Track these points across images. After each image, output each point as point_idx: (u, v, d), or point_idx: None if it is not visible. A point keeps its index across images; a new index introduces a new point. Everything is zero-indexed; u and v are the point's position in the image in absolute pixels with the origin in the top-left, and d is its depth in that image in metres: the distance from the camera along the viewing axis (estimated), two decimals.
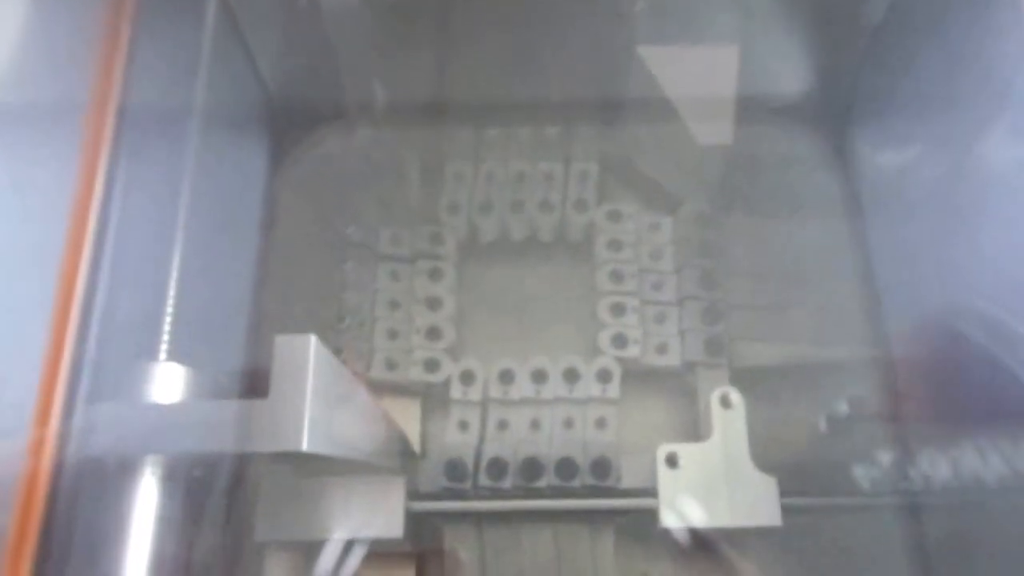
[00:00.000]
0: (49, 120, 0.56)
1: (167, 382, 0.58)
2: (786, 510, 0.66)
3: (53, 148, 0.55)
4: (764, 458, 0.68)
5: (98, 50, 0.58)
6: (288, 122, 0.85)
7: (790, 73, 0.82)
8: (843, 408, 0.73)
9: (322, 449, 0.53)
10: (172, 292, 0.62)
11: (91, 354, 0.54)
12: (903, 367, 0.73)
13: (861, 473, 0.70)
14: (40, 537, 0.48)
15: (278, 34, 0.79)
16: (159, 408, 0.55)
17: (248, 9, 0.74)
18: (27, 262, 0.53)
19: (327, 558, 0.68)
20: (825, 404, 0.74)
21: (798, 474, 0.69)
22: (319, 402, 0.54)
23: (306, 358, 0.54)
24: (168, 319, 0.60)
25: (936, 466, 0.66)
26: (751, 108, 0.83)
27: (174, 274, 0.62)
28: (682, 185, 0.84)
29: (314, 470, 0.65)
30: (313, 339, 0.54)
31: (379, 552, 0.72)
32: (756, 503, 0.66)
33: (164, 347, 0.60)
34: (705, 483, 0.67)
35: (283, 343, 0.55)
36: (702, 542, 0.68)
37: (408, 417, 0.76)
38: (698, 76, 0.80)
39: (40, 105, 0.55)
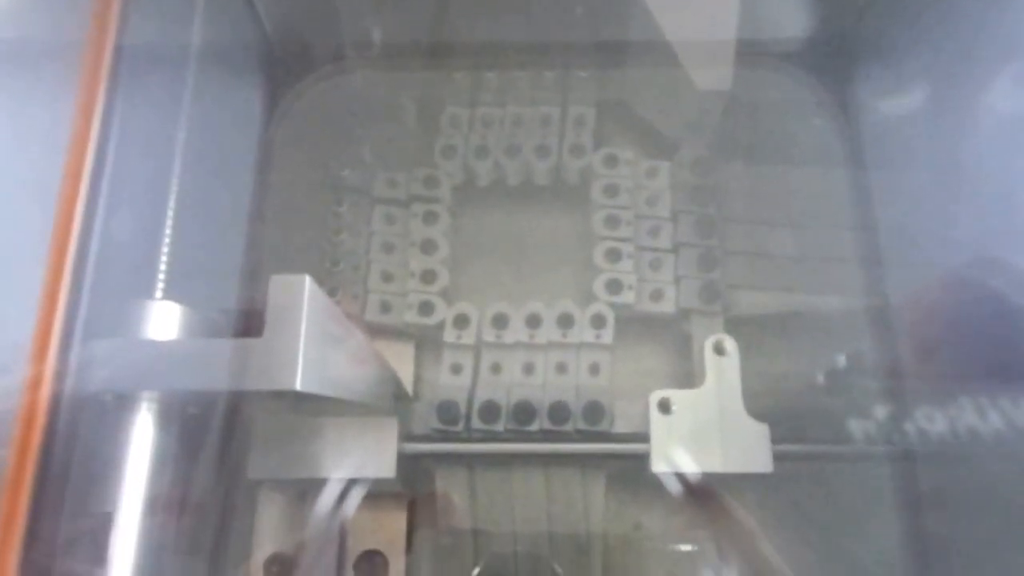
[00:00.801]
0: (47, 57, 0.55)
1: (163, 320, 0.58)
2: (778, 457, 0.67)
3: (50, 86, 0.55)
4: (757, 406, 0.70)
5: None
6: (285, 64, 0.84)
7: (791, 19, 0.81)
8: (841, 361, 0.73)
9: (315, 389, 0.54)
10: (168, 231, 0.62)
11: (88, 291, 0.54)
12: (905, 317, 0.74)
13: (855, 425, 0.71)
14: (37, 471, 0.49)
15: None
16: (154, 345, 0.56)
17: None
18: (24, 199, 0.53)
19: (322, 501, 0.70)
20: (822, 355, 0.75)
21: (791, 422, 0.70)
22: (313, 342, 0.54)
23: (300, 297, 0.54)
24: (164, 258, 0.61)
25: (932, 420, 0.67)
26: (751, 54, 0.82)
27: (170, 213, 0.62)
28: (680, 130, 0.83)
29: (308, 410, 0.65)
30: (307, 279, 0.55)
31: (371, 494, 0.73)
32: (748, 450, 0.67)
33: (160, 285, 0.60)
34: (697, 429, 0.68)
35: (278, 282, 0.55)
36: (694, 490, 0.70)
37: (402, 360, 0.77)
38: (698, 20, 0.79)
39: (37, 42, 0.55)
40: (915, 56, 0.76)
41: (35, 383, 0.50)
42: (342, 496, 0.72)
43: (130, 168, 0.59)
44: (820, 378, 0.74)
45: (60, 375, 0.51)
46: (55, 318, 0.52)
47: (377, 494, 0.73)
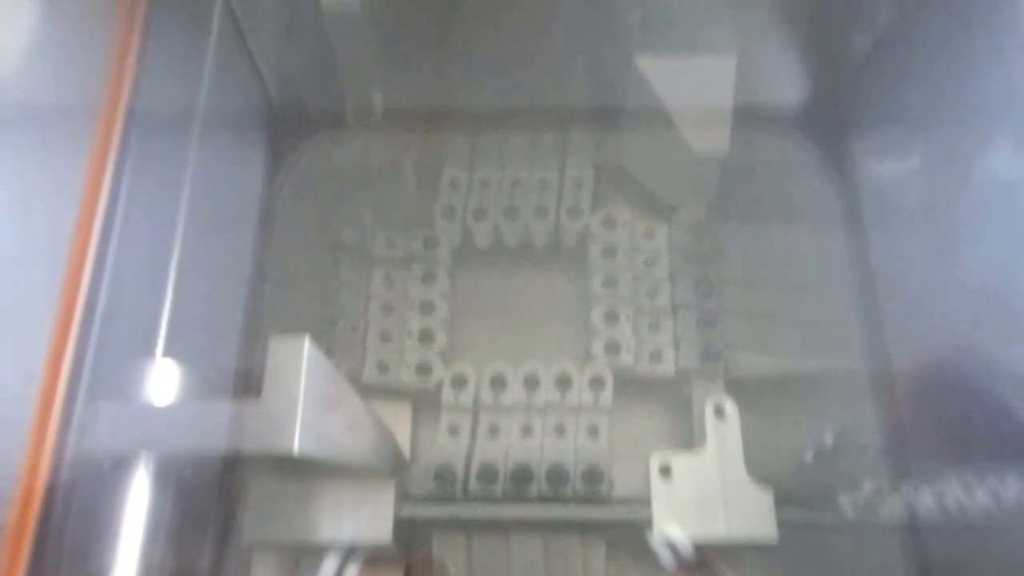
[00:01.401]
0: (62, 123, 0.56)
1: (163, 380, 0.58)
2: (782, 524, 0.67)
3: (64, 150, 0.56)
4: (760, 470, 0.69)
5: (110, 57, 0.59)
6: (288, 127, 0.86)
7: (787, 83, 0.83)
8: (828, 439, 0.73)
9: (313, 451, 0.54)
10: (170, 292, 0.62)
11: (92, 352, 0.54)
12: (897, 395, 0.74)
13: (846, 499, 0.71)
14: (37, 530, 0.49)
15: (281, 42, 0.80)
16: (154, 408, 0.56)
17: (253, 17, 0.76)
18: (35, 260, 0.54)
19: (317, 567, 0.69)
20: (824, 418, 0.75)
21: (794, 487, 0.69)
22: (311, 404, 0.54)
23: (299, 359, 0.54)
24: (165, 318, 0.61)
25: (922, 496, 0.67)
26: (748, 117, 0.83)
27: (172, 275, 0.63)
28: (677, 193, 0.84)
29: (304, 472, 0.65)
30: (307, 340, 0.55)
31: (367, 559, 0.72)
32: (751, 516, 0.67)
33: (161, 345, 0.60)
34: (699, 494, 0.68)
35: (277, 344, 0.55)
36: (697, 558, 0.69)
37: (399, 422, 0.76)
38: (694, 85, 0.80)
39: (53, 108, 0.56)
40: (909, 119, 0.77)
41: (38, 443, 0.50)
42: (338, 562, 0.71)
43: (136, 230, 0.59)
44: (808, 456, 0.73)
45: (62, 435, 0.51)
46: (60, 377, 0.52)
47: (373, 558, 0.73)
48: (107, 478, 0.56)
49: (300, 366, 0.54)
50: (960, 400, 0.64)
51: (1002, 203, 0.62)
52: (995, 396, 0.60)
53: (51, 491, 0.50)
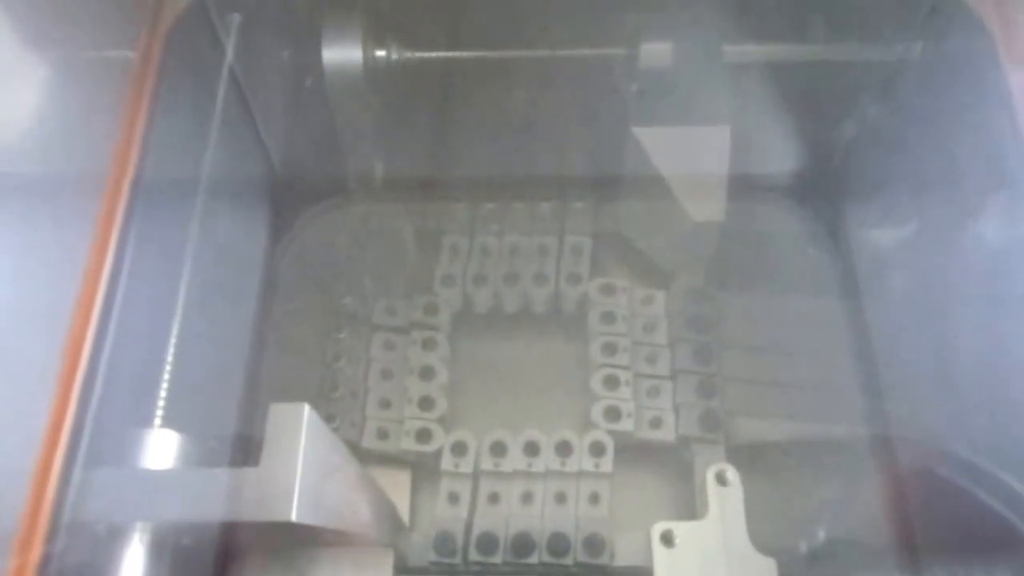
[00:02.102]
0: (68, 192, 0.57)
1: (161, 448, 0.58)
2: None
3: (70, 219, 0.56)
4: (763, 538, 0.68)
5: (118, 127, 0.60)
6: (290, 196, 0.87)
7: (780, 153, 0.84)
8: (820, 536, 0.72)
9: (311, 520, 0.53)
10: (170, 360, 0.62)
11: (92, 419, 0.53)
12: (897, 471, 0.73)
13: None
14: None
15: (284, 112, 0.82)
16: (151, 475, 0.55)
17: (257, 88, 0.77)
18: (37, 326, 0.53)
19: None
20: (825, 485, 0.74)
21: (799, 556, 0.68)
22: (310, 472, 0.53)
23: (299, 427, 0.54)
24: (164, 386, 0.61)
25: None
26: (744, 187, 0.84)
27: (172, 342, 0.63)
28: (675, 260, 0.85)
29: (302, 540, 0.64)
30: (306, 408, 0.55)
31: None
32: None
33: (159, 413, 0.60)
34: (702, 563, 0.66)
35: (277, 411, 0.55)
36: None
37: (398, 489, 0.75)
38: (690, 155, 0.81)
39: (60, 177, 0.57)
40: (900, 189, 0.78)
41: (34, 511, 0.49)
42: None
43: (138, 296, 0.59)
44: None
45: (59, 504, 0.50)
46: (59, 444, 0.51)
47: None
48: (103, 545, 0.55)
49: (300, 434, 0.54)
50: (962, 491, 0.63)
51: (989, 271, 0.63)
52: (994, 486, 0.59)
53: (47, 560, 0.49)
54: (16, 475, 0.49)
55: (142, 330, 0.61)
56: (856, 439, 0.76)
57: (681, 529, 0.67)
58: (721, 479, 0.70)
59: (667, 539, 0.67)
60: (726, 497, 0.69)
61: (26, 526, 0.48)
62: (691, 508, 0.73)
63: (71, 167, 0.58)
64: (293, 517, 0.52)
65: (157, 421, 0.59)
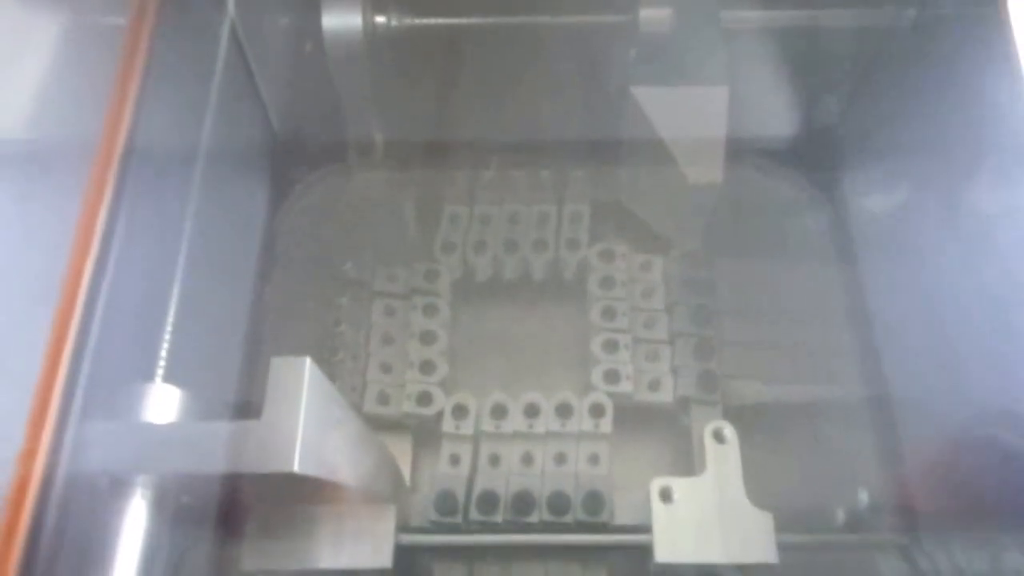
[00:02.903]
0: (60, 154, 0.56)
1: (162, 403, 0.57)
2: (782, 547, 0.65)
3: (63, 182, 0.55)
4: (759, 495, 0.67)
5: (114, 84, 0.59)
6: (292, 162, 0.86)
7: (778, 118, 0.83)
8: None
9: (313, 471, 0.52)
10: (171, 317, 0.61)
11: (86, 374, 0.52)
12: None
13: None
14: (25, 553, 0.46)
15: (286, 79, 0.80)
16: (152, 428, 0.54)
17: (259, 53, 0.76)
18: (30, 281, 0.52)
19: None
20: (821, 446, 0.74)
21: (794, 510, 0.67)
22: (312, 424, 0.52)
23: (300, 380, 0.53)
24: (166, 343, 0.60)
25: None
26: (742, 153, 0.84)
27: (174, 301, 0.62)
28: (673, 226, 0.84)
29: (304, 496, 0.63)
30: (308, 361, 0.54)
31: None
32: (752, 539, 0.65)
33: (160, 370, 0.59)
34: (700, 518, 0.65)
35: (278, 365, 0.54)
36: None
37: (400, 454, 0.74)
38: (688, 120, 0.80)
39: (52, 140, 0.56)
40: (894, 154, 0.77)
41: (27, 462, 0.48)
42: None
43: (136, 256, 0.58)
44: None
45: (53, 456, 0.49)
46: (52, 397, 0.50)
47: None
48: (103, 500, 0.54)
49: (301, 387, 0.53)
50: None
51: (983, 233, 0.62)
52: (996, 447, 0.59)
53: (40, 512, 0.48)
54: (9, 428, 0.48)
55: (143, 288, 0.60)
56: (851, 397, 0.75)
57: (679, 485, 0.66)
58: (719, 437, 0.69)
59: (666, 495, 0.66)
60: (723, 454, 0.68)
61: (20, 475, 0.47)
62: (688, 468, 0.72)
63: (62, 129, 0.57)
64: (295, 468, 0.51)
65: (159, 377, 0.58)
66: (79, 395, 0.51)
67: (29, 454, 0.48)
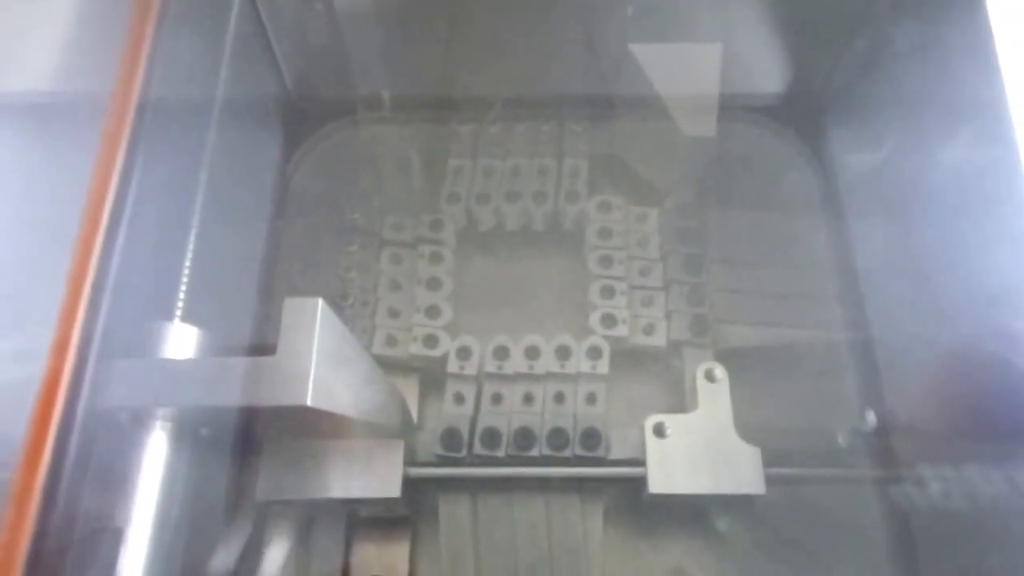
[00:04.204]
0: (74, 107, 0.55)
1: (181, 341, 0.56)
2: (770, 480, 0.65)
3: (79, 132, 0.54)
4: (749, 431, 0.67)
5: (128, 33, 0.58)
6: (303, 115, 0.85)
7: (767, 75, 0.82)
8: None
9: (325, 405, 0.52)
10: (188, 260, 0.60)
11: (106, 311, 0.52)
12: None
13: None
14: (47, 483, 0.46)
15: (298, 34, 0.79)
16: (171, 363, 0.54)
17: (273, 13, 0.75)
18: (49, 228, 0.52)
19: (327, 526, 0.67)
20: (805, 385, 0.73)
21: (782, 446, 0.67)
22: (324, 360, 0.52)
23: (313, 319, 0.53)
24: (184, 284, 0.59)
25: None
26: (732, 108, 0.83)
27: (191, 245, 0.61)
28: (667, 179, 0.83)
29: (317, 431, 0.63)
30: (320, 301, 0.53)
31: (375, 522, 0.70)
32: (741, 472, 0.65)
33: (179, 311, 0.58)
34: (691, 452, 0.66)
35: (292, 304, 0.54)
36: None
37: (407, 392, 0.74)
38: (681, 77, 0.79)
39: (66, 93, 0.54)
40: (879, 110, 0.76)
41: (48, 397, 0.48)
42: (348, 522, 0.69)
43: (154, 200, 0.57)
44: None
45: (74, 391, 0.49)
46: (72, 334, 0.49)
47: (381, 521, 0.70)
48: (123, 435, 0.54)
49: (314, 324, 0.53)
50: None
51: (962, 188, 0.62)
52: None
53: (62, 445, 0.47)
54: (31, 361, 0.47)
55: (161, 234, 0.59)
56: (835, 342, 0.75)
57: (672, 421, 0.66)
58: (710, 376, 0.69)
59: (659, 431, 0.66)
60: (714, 392, 0.68)
61: (40, 410, 0.46)
62: (681, 407, 0.72)
63: (76, 83, 0.56)
64: (308, 401, 0.51)
65: (177, 317, 0.58)
66: (99, 331, 0.51)
67: (50, 386, 0.47)
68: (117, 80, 0.56)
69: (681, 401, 0.73)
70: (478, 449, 0.69)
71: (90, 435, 0.49)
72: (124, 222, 0.54)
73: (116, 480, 0.53)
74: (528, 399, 0.72)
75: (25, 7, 0.56)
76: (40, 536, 0.45)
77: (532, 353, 0.74)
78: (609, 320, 0.75)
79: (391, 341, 0.75)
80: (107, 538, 0.50)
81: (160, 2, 0.60)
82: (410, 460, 0.67)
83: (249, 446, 0.63)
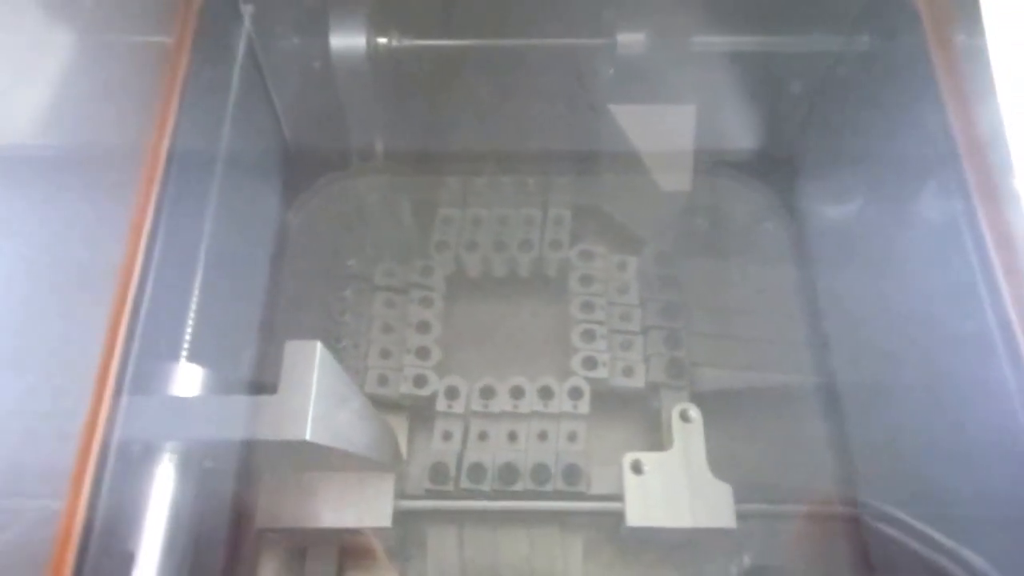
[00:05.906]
0: (111, 164, 0.60)
1: (187, 380, 0.61)
2: (740, 515, 0.69)
3: (117, 185, 0.59)
4: (721, 469, 0.72)
5: (154, 106, 0.63)
6: (301, 168, 0.90)
7: (742, 133, 0.88)
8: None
9: (323, 440, 0.57)
10: (194, 305, 0.65)
11: (135, 354, 0.56)
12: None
13: None
14: (87, 512, 0.50)
15: (296, 90, 0.85)
16: (181, 401, 0.58)
17: (273, 71, 0.80)
18: (88, 285, 0.56)
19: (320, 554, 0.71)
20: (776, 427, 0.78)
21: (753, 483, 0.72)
22: (322, 399, 0.57)
23: (312, 360, 0.58)
24: (190, 327, 0.64)
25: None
26: (709, 163, 0.88)
27: (196, 290, 0.66)
28: (645, 229, 0.88)
29: (314, 463, 0.67)
30: (319, 344, 0.58)
31: (366, 551, 0.74)
32: (714, 507, 0.69)
33: (185, 351, 0.63)
34: (667, 488, 0.70)
35: (292, 347, 0.58)
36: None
37: (397, 429, 0.78)
38: (660, 134, 0.85)
39: (104, 151, 0.59)
40: (847, 166, 0.81)
41: (90, 433, 0.52)
42: (339, 550, 0.72)
43: (170, 252, 0.62)
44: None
45: (110, 427, 0.53)
46: (109, 376, 0.54)
47: (371, 551, 0.74)
48: (135, 465, 0.58)
49: (313, 366, 0.57)
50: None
51: (923, 239, 0.66)
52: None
53: (98, 476, 0.51)
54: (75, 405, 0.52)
55: (170, 280, 0.64)
56: (804, 385, 0.80)
57: (649, 459, 0.71)
58: (685, 416, 0.74)
59: (636, 467, 0.71)
60: (689, 432, 0.73)
61: (83, 446, 0.51)
62: (658, 445, 0.76)
63: (115, 142, 0.61)
64: (307, 436, 0.55)
65: (183, 357, 0.62)
66: (130, 371, 0.55)
67: (92, 420, 0.52)
68: (152, 139, 0.61)
69: (658, 440, 0.78)
70: (465, 483, 0.73)
71: (121, 466, 0.54)
72: (153, 269, 0.59)
73: (128, 507, 0.57)
74: (512, 436, 0.77)
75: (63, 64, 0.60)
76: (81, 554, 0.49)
77: (517, 393, 0.78)
78: (590, 362, 0.80)
79: (383, 380, 0.80)
80: (120, 560, 0.54)
81: (187, 63, 0.66)
82: (400, 493, 0.71)
83: (249, 477, 0.67)
